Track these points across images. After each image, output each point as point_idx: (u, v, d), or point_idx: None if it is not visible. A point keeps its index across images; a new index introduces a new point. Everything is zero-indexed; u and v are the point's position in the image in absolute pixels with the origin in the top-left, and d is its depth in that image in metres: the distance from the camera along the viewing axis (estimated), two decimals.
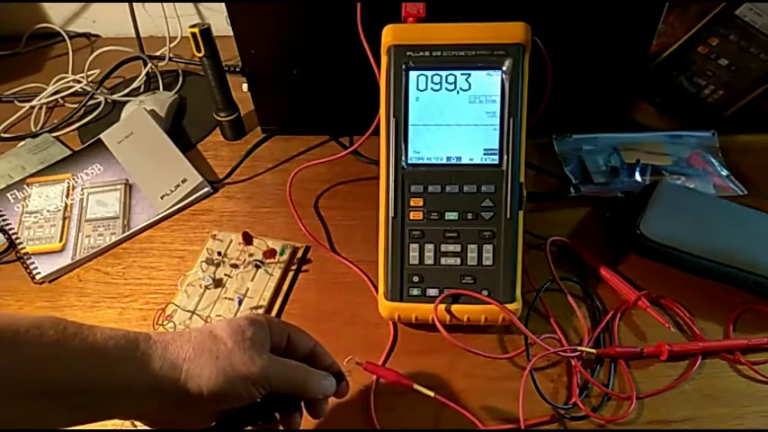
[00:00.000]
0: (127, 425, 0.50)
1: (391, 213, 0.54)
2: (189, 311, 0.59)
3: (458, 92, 0.55)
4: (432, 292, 0.53)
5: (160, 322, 0.58)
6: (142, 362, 0.38)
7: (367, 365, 0.50)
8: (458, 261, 0.54)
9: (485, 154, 0.55)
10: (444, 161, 0.55)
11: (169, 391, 0.38)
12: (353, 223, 0.68)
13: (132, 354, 0.38)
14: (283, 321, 0.46)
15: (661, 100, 0.80)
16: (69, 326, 0.38)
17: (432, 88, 0.55)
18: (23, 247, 0.67)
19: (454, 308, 0.53)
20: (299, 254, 0.65)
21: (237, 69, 0.81)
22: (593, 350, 0.53)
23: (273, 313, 0.60)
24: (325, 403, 0.46)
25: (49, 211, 0.71)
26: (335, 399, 0.47)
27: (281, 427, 0.45)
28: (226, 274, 0.62)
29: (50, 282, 0.65)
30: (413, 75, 0.55)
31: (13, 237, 0.69)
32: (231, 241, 0.65)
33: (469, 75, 0.54)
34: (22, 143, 0.82)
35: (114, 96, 0.88)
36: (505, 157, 0.54)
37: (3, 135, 0.85)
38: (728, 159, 0.72)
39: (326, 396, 0.45)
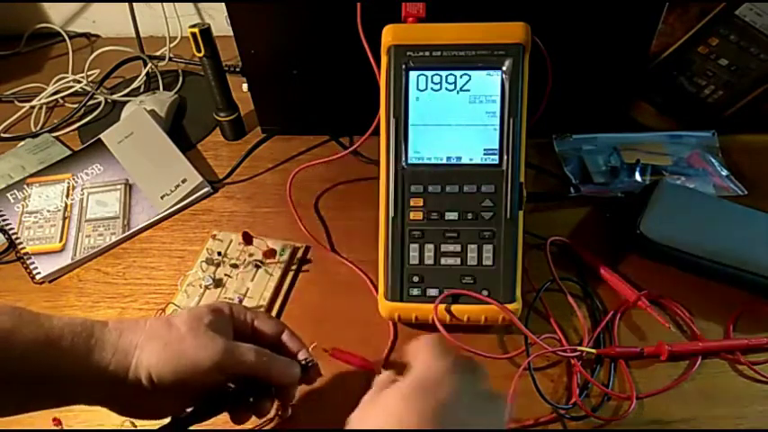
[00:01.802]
0: (127, 424, 0.50)
1: (391, 213, 0.54)
2: None
3: (458, 92, 0.55)
4: (432, 292, 0.53)
5: None
6: (95, 349, 0.39)
7: (333, 352, 0.51)
8: (458, 261, 0.54)
9: (485, 154, 0.55)
10: (444, 161, 0.55)
11: (120, 378, 0.39)
12: (353, 223, 0.68)
13: (86, 341, 0.39)
14: (247, 308, 0.46)
15: (661, 100, 0.80)
16: (25, 314, 0.39)
17: (432, 88, 0.55)
18: (23, 247, 0.67)
19: (454, 308, 0.53)
20: (299, 254, 0.65)
21: (237, 69, 0.81)
22: (593, 350, 0.53)
23: (273, 313, 0.60)
24: (293, 389, 0.47)
25: (49, 211, 0.71)
26: (309, 386, 0.48)
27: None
28: (226, 274, 0.62)
29: (50, 282, 0.65)
30: (413, 75, 0.55)
31: (13, 237, 0.69)
32: (231, 241, 0.65)
33: (469, 75, 0.54)
34: (22, 143, 0.82)
35: (114, 96, 0.88)
36: (505, 157, 0.54)
37: (3, 135, 0.85)
38: (728, 159, 0.72)
39: (290, 382, 0.45)
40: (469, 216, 0.54)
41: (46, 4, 1.03)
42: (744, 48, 0.72)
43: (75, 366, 0.38)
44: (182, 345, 0.40)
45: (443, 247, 0.54)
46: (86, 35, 1.04)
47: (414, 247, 0.54)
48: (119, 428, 0.50)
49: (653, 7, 0.65)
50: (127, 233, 0.69)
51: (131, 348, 0.40)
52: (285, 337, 0.46)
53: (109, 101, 0.88)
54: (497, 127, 0.54)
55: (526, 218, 0.55)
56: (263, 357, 0.42)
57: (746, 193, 0.68)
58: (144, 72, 0.90)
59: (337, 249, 0.66)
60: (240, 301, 0.59)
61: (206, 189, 0.73)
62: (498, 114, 0.54)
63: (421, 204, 0.54)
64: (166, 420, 0.43)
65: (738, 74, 0.73)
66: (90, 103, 0.86)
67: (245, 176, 0.76)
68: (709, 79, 0.75)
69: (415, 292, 0.54)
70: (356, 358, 0.52)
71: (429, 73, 0.55)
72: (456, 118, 0.55)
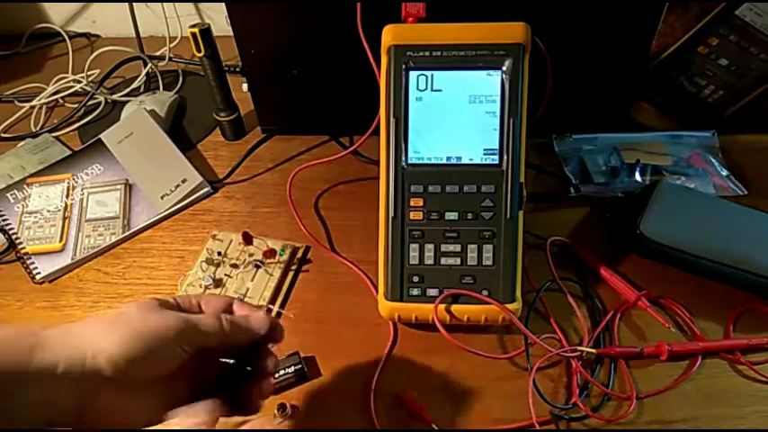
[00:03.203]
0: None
1: (391, 213, 0.54)
2: None
3: (458, 92, 0.55)
4: (432, 292, 0.53)
5: None
6: (36, 349, 0.35)
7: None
8: (458, 261, 0.54)
9: (485, 154, 0.55)
10: (444, 161, 0.55)
11: (76, 376, 0.35)
12: (353, 223, 0.68)
13: (26, 344, 0.35)
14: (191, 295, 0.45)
15: (661, 100, 0.80)
16: None
17: (432, 88, 0.55)
18: (23, 247, 0.67)
19: (454, 308, 0.53)
20: (299, 254, 0.65)
21: (237, 69, 0.81)
22: (594, 350, 0.53)
23: (273, 313, 0.60)
24: (267, 383, 0.44)
25: (49, 211, 0.71)
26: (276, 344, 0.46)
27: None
28: (226, 274, 0.62)
29: (50, 282, 0.65)
30: (413, 75, 0.55)
31: (13, 237, 0.69)
32: (231, 241, 0.65)
33: (469, 75, 0.54)
34: (22, 143, 0.82)
35: (114, 96, 0.88)
36: (505, 157, 0.54)
37: (3, 135, 0.85)
38: (728, 159, 0.72)
39: (261, 331, 0.43)
40: (469, 216, 0.54)
41: (46, 4, 1.03)
42: (744, 48, 0.72)
43: (12, 376, 0.34)
44: (143, 320, 0.39)
45: (443, 247, 0.54)
46: (86, 35, 1.04)
47: (414, 247, 0.54)
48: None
49: (653, 7, 0.65)
50: (127, 233, 0.69)
51: (82, 342, 0.36)
52: (236, 306, 0.45)
53: (109, 101, 0.88)
54: (497, 127, 0.54)
55: (526, 218, 0.55)
56: (224, 318, 0.42)
57: (746, 193, 0.69)
58: (144, 72, 0.90)
59: (337, 249, 0.66)
60: (240, 302, 0.59)
61: (206, 189, 0.73)
62: (498, 114, 0.54)
63: (421, 204, 0.54)
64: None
65: (738, 74, 0.73)
66: (90, 103, 0.86)
67: (245, 176, 0.76)
68: (709, 79, 0.75)
69: (415, 292, 0.54)
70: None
71: (429, 73, 0.55)
72: (456, 118, 0.55)
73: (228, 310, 0.45)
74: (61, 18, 1.04)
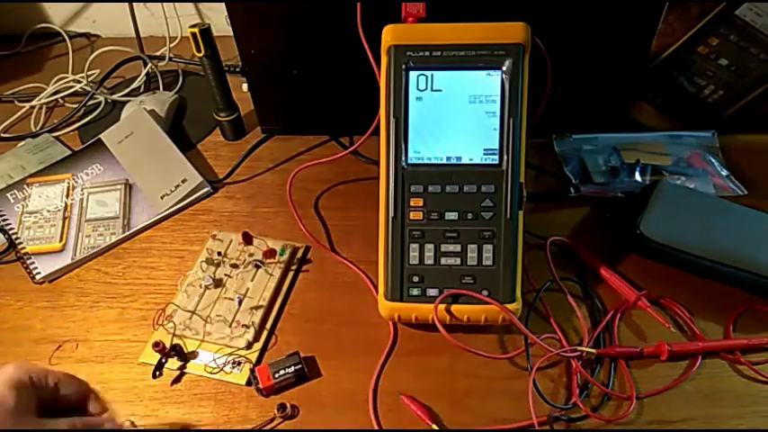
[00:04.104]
0: (127, 424, 0.50)
1: (391, 213, 0.54)
2: (189, 311, 0.59)
3: (458, 92, 0.55)
4: (432, 292, 0.53)
5: (160, 322, 0.58)
6: None
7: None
8: (458, 261, 0.54)
9: (485, 154, 0.55)
10: (444, 161, 0.55)
11: None
12: (353, 223, 0.68)
13: None
14: (48, 369, 0.45)
15: (661, 100, 0.80)
16: None
17: (432, 88, 0.55)
18: (23, 247, 0.67)
19: (454, 308, 0.53)
20: (299, 254, 0.65)
21: (237, 69, 0.82)
22: (593, 350, 0.53)
23: (273, 313, 0.60)
24: None
25: (49, 211, 0.71)
26: None
27: None
28: (226, 274, 0.62)
29: (50, 282, 0.65)
30: (413, 75, 0.55)
31: (13, 237, 0.69)
32: (231, 241, 0.65)
33: (469, 75, 0.54)
34: (22, 143, 0.82)
35: (114, 96, 0.88)
36: (505, 157, 0.54)
37: (3, 135, 0.85)
38: (728, 159, 0.72)
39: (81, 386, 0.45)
40: (469, 216, 0.54)
41: (46, 4, 1.03)
42: (744, 48, 0.72)
43: None
44: None
45: (443, 247, 0.54)
46: (86, 35, 1.04)
47: (414, 247, 0.54)
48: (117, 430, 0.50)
49: (653, 7, 0.65)
50: (127, 233, 0.69)
51: None
52: (91, 406, 0.47)
53: (109, 101, 0.88)
54: (497, 127, 0.54)
55: (526, 218, 0.55)
56: (77, 427, 0.42)
57: (746, 193, 0.69)
58: (144, 72, 0.90)
59: (337, 249, 0.66)
60: (240, 302, 0.59)
61: (206, 189, 0.73)
62: (498, 114, 0.54)
63: (421, 204, 0.54)
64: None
65: (738, 74, 0.73)
66: (90, 103, 0.86)
67: (245, 176, 0.76)
68: (709, 79, 0.75)
69: (415, 292, 0.54)
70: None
71: (429, 73, 0.55)
72: (456, 118, 0.55)
73: (83, 399, 0.47)
74: (61, 18, 1.04)
